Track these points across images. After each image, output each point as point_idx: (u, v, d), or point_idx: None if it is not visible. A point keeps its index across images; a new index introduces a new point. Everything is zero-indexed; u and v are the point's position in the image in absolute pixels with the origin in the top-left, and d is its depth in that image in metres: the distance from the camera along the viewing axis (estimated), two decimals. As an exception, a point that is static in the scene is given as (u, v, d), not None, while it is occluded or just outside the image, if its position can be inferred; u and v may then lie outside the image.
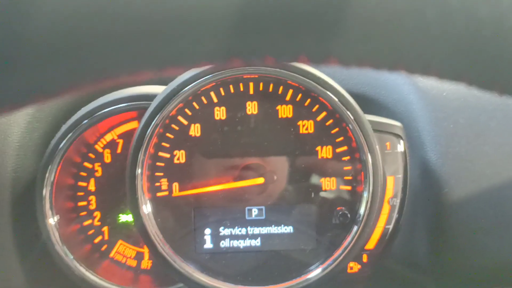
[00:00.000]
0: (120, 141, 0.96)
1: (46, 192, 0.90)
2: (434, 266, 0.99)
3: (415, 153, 0.97)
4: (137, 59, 0.32)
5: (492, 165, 0.94)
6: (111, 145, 0.96)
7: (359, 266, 0.96)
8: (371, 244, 0.95)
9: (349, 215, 0.91)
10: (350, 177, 0.93)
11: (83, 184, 0.97)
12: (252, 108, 0.90)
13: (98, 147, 0.98)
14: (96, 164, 0.96)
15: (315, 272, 0.91)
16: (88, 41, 0.31)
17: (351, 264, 0.95)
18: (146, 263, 1.00)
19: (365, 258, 0.96)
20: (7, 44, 0.31)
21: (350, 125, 0.89)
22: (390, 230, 0.96)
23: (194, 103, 0.88)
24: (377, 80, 1.05)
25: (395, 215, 0.95)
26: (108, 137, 0.97)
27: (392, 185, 0.95)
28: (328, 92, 0.88)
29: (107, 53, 0.32)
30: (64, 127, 0.91)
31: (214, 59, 0.33)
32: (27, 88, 0.33)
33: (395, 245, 0.98)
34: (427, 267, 1.00)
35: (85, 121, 0.90)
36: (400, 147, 0.95)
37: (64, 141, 0.89)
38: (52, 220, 0.92)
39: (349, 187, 0.93)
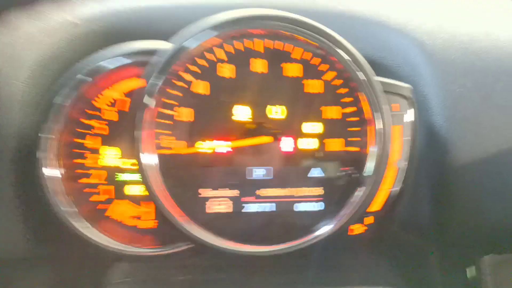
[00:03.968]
0: (127, 99, 0.93)
1: (49, 145, 0.87)
2: (437, 229, 1.00)
3: (422, 117, 0.96)
4: None
5: (498, 129, 0.95)
6: (113, 102, 0.93)
7: (364, 228, 0.96)
8: (376, 206, 0.95)
9: (356, 175, 0.89)
10: (357, 138, 0.92)
11: (88, 142, 0.93)
12: (259, 65, 0.88)
13: (103, 104, 0.93)
14: (101, 122, 0.94)
15: (320, 232, 0.91)
16: None
17: (356, 226, 0.95)
18: (149, 223, 0.98)
19: (370, 220, 0.96)
20: None
21: (360, 85, 0.87)
22: (396, 192, 0.95)
23: (200, 60, 0.86)
24: (384, 43, 1.02)
25: (401, 178, 0.95)
26: (114, 94, 0.93)
27: (400, 147, 0.94)
28: (339, 51, 0.85)
29: None
30: (64, 82, 0.87)
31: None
32: None
33: (399, 208, 0.98)
34: (430, 230, 1.01)
35: (84, 75, 0.87)
36: (409, 109, 0.94)
37: (65, 97, 0.86)
38: (58, 173, 0.89)
39: (356, 148, 0.92)
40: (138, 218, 0.97)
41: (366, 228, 0.96)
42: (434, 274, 1.14)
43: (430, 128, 0.96)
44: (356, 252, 1.10)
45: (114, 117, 0.93)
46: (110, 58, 0.88)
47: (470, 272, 1.17)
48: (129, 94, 0.93)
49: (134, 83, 0.91)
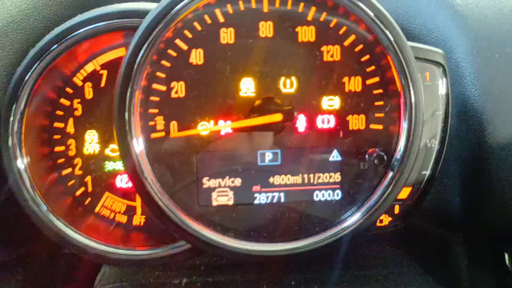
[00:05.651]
0: (104, 72, 0.85)
1: (12, 130, 0.77)
2: (467, 219, 0.93)
3: (453, 89, 0.87)
4: None
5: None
6: (93, 77, 0.85)
7: (389, 219, 0.86)
8: (403, 194, 0.85)
9: (385, 157, 0.78)
10: (382, 114, 0.81)
11: (60, 125, 0.85)
12: (266, 29, 0.78)
13: (77, 80, 0.85)
14: (75, 101, 0.85)
15: (342, 227, 0.81)
16: None
17: (381, 216, 0.85)
18: (139, 219, 0.90)
19: (396, 209, 0.86)
20: None
21: (388, 50, 0.76)
22: (426, 177, 0.86)
23: (196, 23, 0.77)
24: (410, 5, 0.94)
25: (432, 160, 0.85)
26: (89, 68, 0.85)
27: (430, 124, 0.84)
28: (362, 5, 0.74)
29: None
30: (31, 53, 0.79)
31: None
32: None
33: (427, 196, 0.89)
34: (459, 221, 0.94)
35: (56, 45, 0.77)
36: (441, 79, 0.84)
37: (31, 71, 0.77)
38: (20, 163, 0.79)
39: (380, 126, 0.81)
40: (133, 213, 0.89)
41: (391, 219, 0.87)
42: (460, 270, 1.06)
43: (463, 103, 0.88)
44: (378, 246, 1.04)
45: (89, 94, 0.85)
46: (88, 24, 0.78)
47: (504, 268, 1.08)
48: (105, 65, 0.85)
49: (113, 53, 0.84)
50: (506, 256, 1.07)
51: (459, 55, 0.88)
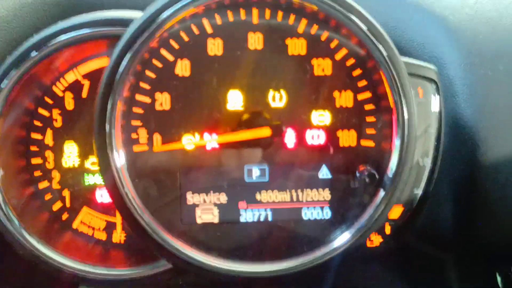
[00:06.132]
0: (86, 83, 0.83)
1: None
2: (460, 239, 0.92)
3: (446, 106, 0.86)
4: None
5: (537, 120, 0.87)
6: (74, 87, 0.82)
7: (380, 240, 0.84)
8: (395, 213, 0.83)
9: (376, 175, 0.76)
10: (373, 131, 0.79)
11: (38, 136, 0.83)
12: (255, 41, 0.76)
13: (58, 89, 0.83)
14: (55, 112, 0.82)
15: (331, 247, 0.78)
16: None
17: (372, 237, 0.83)
18: (119, 236, 0.87)
19: (388, 229, 0.83)
20: None
21: (380, 64, 0.74)
22: (418, 196, 0.84)
23: (182, 33, 0.75)
24: (400, 19, 0.92)
25: (424, 178, 0.83)
26: (70, 77, 0.83)
27: (422, 142, 0.82)
28: (354, 18, 0.72)
29: None
30: (8, 61, 0.76)
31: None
32: None
33: (419, 215, 0.87)
34: (451, 241, 0.92)
35: (34, 52, 0.75)
36: (434, 95, 0.82)
37: (7, 79, 0.75)
38: None
39: (372, 143, 0.79)
40: (113, 230, 0.87)
41: (382, 240, 0.84)
42: None
43: (456, 120, 0.86)
44: (368, 266, 1.00)
45: (69, 105, 0.82)
46: (70, 31, 0.76)
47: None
48: (87, 76, 0.82)
49: (96, 63, 0.82)
50: (499, 277, 1.05)
51: (452, 71, 0.86)
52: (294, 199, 0.79)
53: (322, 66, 0.77)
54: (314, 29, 0.76)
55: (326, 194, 0.80)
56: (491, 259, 1.03)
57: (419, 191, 0.83)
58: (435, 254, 1.00)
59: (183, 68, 0.75)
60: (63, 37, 0.75)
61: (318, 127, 0.79)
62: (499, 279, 1.05)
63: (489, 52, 0.88)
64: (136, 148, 0.75)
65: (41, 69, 0.77)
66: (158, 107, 0.75)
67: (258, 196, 0.79)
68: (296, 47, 0.77)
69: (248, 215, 0.79)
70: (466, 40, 0.89)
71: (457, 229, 0.89)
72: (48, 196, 0.83)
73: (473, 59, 0.87)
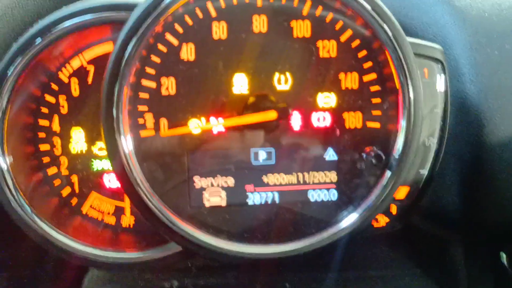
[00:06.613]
0: (91, 68, 0.82)
1: None
2: (465, 219, 0.91)
3: (452, 86, 0.85)
4: None
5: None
6: (80, 73, 0.82)
7: (387, 220, 0.84)
8: (401, 194, 0.83)
9: (383, 156, 0.75)
10: (379, 112, 0.78)
11: (45, 122, 0.82)
12: (260, 24, 0.75)
13: (63, 76, 0.82)
14: (61, 98, 0.82)
15: (338, 228, 0.78)
16: None
17: (378, 217, 0.83)
18: (128, 220, 0.87)
19: (394, 209, 0.83)
20: None
21: (386, 45, 0.74)
22: (424, 176, 0.83)
23: (187, 17, 0.74)
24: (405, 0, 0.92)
25: (430, 158, 0.83)
26: (75, 63, 0.82)
27: (428, 122, 0.82)
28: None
29: None
30: (13, 48, 0.75)
31: None
32: None
33: (425, 196, 0.87)
34: (457, 221, 0.92)
35: (40, 39, 0.74)
36: (440, 75, 0.82)
37: (13, 66, 0.74)
38: (3, 163, 0.75)
39: (378, 124, 0.79)
40: (122, 214, 0.87)
41: (388, 220, 0.85)
42: (458, 270, 1.04)
43: (462, 100, 0.85)
44: (374, 246, 1.02)
45: (75, 91, 0.82)
46: (74, 16, 0.75)
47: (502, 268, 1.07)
48: (92, 61, 0.82)
49: (101, 48, 0.81)
50: (504, 255, 1.06)
51: (458, 51, 0.85)
52: (301, 181, 0.79)
53: (327, 48, 0.76)
54: (318, 11, 0.75)
55: (332, 176, 0.79)
56: (496, 239, 1.03)
57: (425, 172, 0.83)
58: (441, 234, 1.00)
59: (188, 52, 0.74)
60: (67, 23, 0.74)
61: (324, 109, 0.78)
62: (504, 257, 1.06)
63: (496, 31, 0.87)
64: (143, 133, 0.75)
65: (46, 55, 0.76)
66: (164, 91, 0.74)
67: (265, 179, 0.79)
68: (301, 29, 0.75)
69: (255, 197, 0.79)
70: (472, 20, 0.87)
71: (463, 209, 0.89)
72: (57, 182, 0.83)
73: (479, 38, 0.86)
